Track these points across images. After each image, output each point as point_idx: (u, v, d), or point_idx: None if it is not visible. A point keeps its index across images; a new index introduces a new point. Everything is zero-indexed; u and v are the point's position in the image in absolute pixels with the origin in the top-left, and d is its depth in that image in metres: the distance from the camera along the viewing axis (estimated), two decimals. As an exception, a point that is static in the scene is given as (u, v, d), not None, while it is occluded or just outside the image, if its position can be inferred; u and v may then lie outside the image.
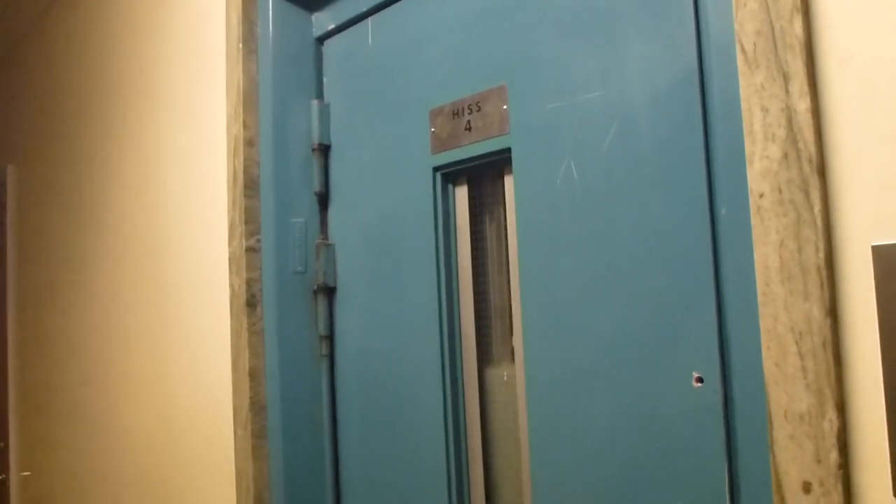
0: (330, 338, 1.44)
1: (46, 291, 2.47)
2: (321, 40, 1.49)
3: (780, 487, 0.74)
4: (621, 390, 0.96)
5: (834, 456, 0.70)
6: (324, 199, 1.47)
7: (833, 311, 0.71)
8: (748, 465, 0.83)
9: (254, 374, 1.42)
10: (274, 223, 1.42)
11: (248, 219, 1.44)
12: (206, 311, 1.58)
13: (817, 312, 0.71)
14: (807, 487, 0.72)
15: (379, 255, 1.34)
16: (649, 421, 0.93)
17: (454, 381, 1.22)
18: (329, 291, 1.44)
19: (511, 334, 1.17)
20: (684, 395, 0.89)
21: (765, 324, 0.75)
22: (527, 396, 1.07)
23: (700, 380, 0.88)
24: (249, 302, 1.43)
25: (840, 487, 0.70)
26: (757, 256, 0.76)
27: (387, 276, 1.33)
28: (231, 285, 1.47)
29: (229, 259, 1.47)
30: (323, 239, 1.46)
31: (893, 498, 0.68)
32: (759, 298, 0.76)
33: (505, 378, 1.19)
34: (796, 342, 0.73)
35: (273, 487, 1.40)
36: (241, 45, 1.45)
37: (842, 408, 0.71)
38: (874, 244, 0.69)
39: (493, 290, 1.21)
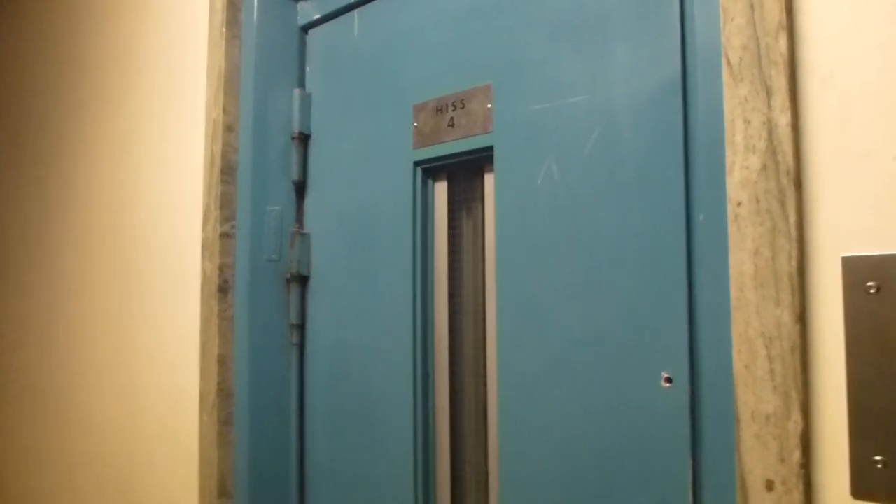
0: (301, 327, 1.44)
1: (7, 271, 2.42)
2: (306, 29, 1.49)
3: (743, 485, 0.77)
4: (592, 388, 0.98)
5: (797, 455, 0.73)
6: (301, 188, 1.47)
7: (802, 318, 0.74)
8: (713, 464, 0.87)
9: (222, 361, 1.42)
10: (250, 210, 1.42)
11: (224, 204, 1.43)
12: (176, 295, 1.57)
13: (787, 318, 0.75)
14: (769, 485, 0.75)
15: (355, 247, 1.35)
16: (617, 419, 0.95)
17: (425, 375, 1.23)
18: (302, 281, 1.44)
19: (484, 330, 1.18)
20: (653, 394, 0.92)
21: (737, 328, 0.78)
22: (498, 392, 1.09)
23: (669, 380, 0.91)
24: (221, 288, 1.43)
25: (801, 486, 0.73)
26: (732, 262, 0.79)
27: (362, 267, 1.33)
28: (203, 270, 1.46)
29: (202, 244, 1.47)
30: (298, 228, 1.46)
31: (851, 497, 0.71)
32: (733, 303, 0.79)
33: (476, 374, 1.20)
34: (766, 346, 0.76)
35: (237, 475, 1.40)
36: (224, 30, 1.44)
37: (806, 410, 0.74)
38: (844, 255, 0.72)
39: (467, 286, 1.23)
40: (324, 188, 1.43)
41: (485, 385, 1.18)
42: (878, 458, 0.70)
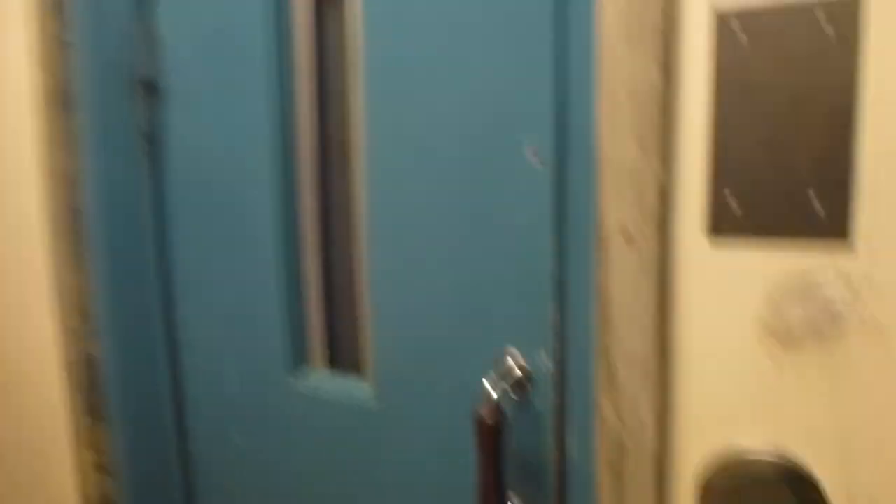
0: (155, 137, 1.33)
1: None
2: None
3: (604, 237, 0.78)
4: (457, 166, 0.96)
5: (654, 204, 0.74)
6: (147, -15, 1.31)
7: (668, 70, 0.73)
8: (575, 218, 0.87)
9: (71, 179, 1.30)
10: (90, 9, 1.26)
11: (59, 3, 1.27)
12: (9, 110, 1.41)
13: (654, 71, 0.73)
14: (627, 236, 0.76)
15: (209, 48, 1.23)
16: (483, 186, 0.94)
17: (287, 183, 1.17)
18: (153, 88, 1.32)
19: (349, 120, 1.13)
20: (517, 164, 0.90)
21: (604, 83, 0.76)
22: (366, 185, 1.05)
23: (534, 152, 0.89)
24: (62, 100, 1.28)
25: (658, 235, 0.74)
26: (600, 16, 0.76)
27: (217, 69, 1.23)
28: (39, 82, 1.30)
29: (37, 52, 1.30)
30: (147, 29, 1.31)
31: (702, 234, 0.73)
32: (599, 56, 0.76)
33: (346, 173, 1.16)
34: (629, 98, 0.74)
35: (98, 301, 1.32)
36: None
37: (667, 161, 0.74)
38: (717, 7, 0.71)
39: (333, 79, 1.16)
40: (172, -17, 1.28)
41: (355, 184, 1.14)
42: (733, 200, 0.71)
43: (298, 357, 1.20)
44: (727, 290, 0.73)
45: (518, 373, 0.93)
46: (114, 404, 1.35)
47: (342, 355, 1.19)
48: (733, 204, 0.72)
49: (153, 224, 1.35)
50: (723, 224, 0.72)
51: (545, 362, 0.92)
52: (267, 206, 1.18)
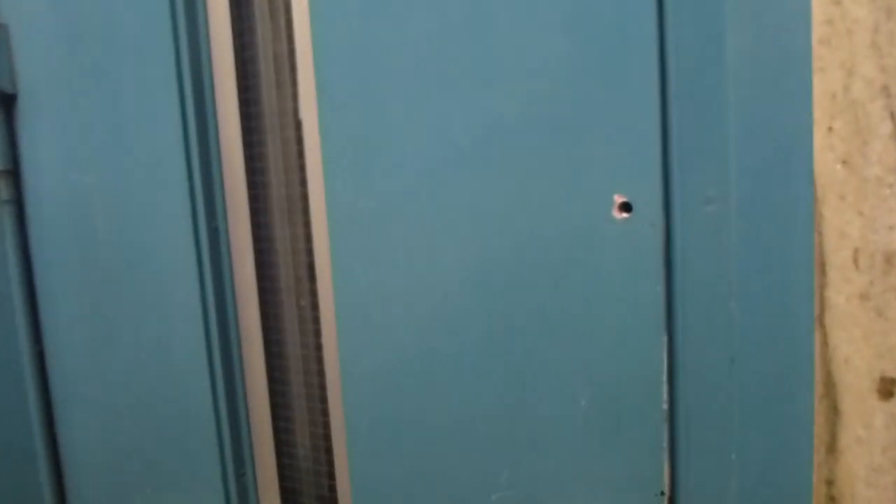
0: (14, 173, 0.92)
1: None
2: None
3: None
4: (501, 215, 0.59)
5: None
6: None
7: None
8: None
9: None
10: None
11: None
12: None
13: None
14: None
15: (82, 44, 0.83)
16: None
17: (213, 230, 0.79)
18: (7, 101, 0.91)
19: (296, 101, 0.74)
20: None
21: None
22: (333, 238, 0.68)
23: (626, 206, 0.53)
24: None
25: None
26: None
27: (96, 71, 0.82)
28: None
29: None
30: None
31: None
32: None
33: (299, 216, 0.78)
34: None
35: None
36: None
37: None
38: None
39: (266, 85, 0.77)
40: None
41: (308, 228, 0.76)
42: None
43: (240, 496, 0.82)
44: None
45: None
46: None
47: (305, 489, 0.82)
48: None
49: (22, 288, 0.94)
50: None
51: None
52: (179, 258, 0.79)
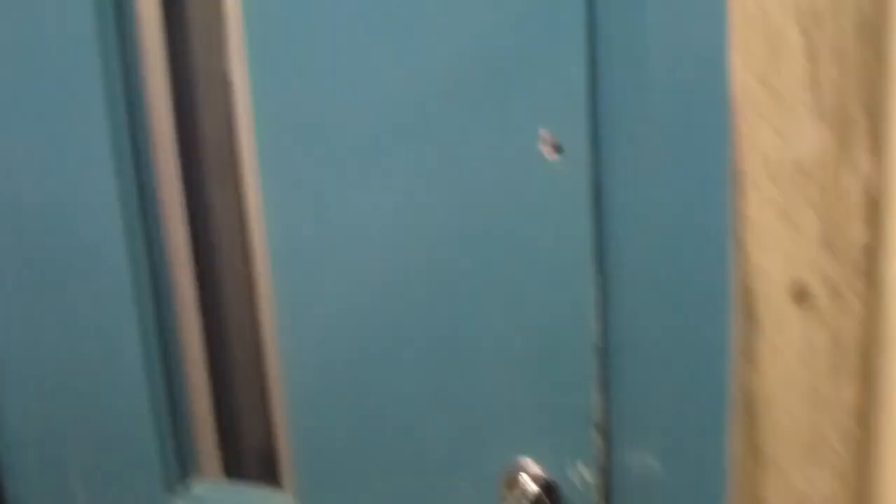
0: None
1: None
2: None
3: (750, 293, 0.42)
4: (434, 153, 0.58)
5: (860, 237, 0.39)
6: None
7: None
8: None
9: None
10: None
11: None
12: None
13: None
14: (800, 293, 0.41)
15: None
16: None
17: (149, 240, 0.76)
18: None
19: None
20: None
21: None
22: (267, 208, 0.66)
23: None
24: None
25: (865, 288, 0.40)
26: None
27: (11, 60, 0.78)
28: None
29: None
30: None
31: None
32: None
33: (233, 187, 0.75)
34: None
35: None
36: None
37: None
38: None
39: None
40: None
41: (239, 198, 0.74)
42: None
43: (181, 465, 0.80)
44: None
45: (534, 488, 0.58)
46: None
47: (246, 458, 0.81)
48: None
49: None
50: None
51: (583, 475, 0.57)
52: (114, 248, 0.76)
